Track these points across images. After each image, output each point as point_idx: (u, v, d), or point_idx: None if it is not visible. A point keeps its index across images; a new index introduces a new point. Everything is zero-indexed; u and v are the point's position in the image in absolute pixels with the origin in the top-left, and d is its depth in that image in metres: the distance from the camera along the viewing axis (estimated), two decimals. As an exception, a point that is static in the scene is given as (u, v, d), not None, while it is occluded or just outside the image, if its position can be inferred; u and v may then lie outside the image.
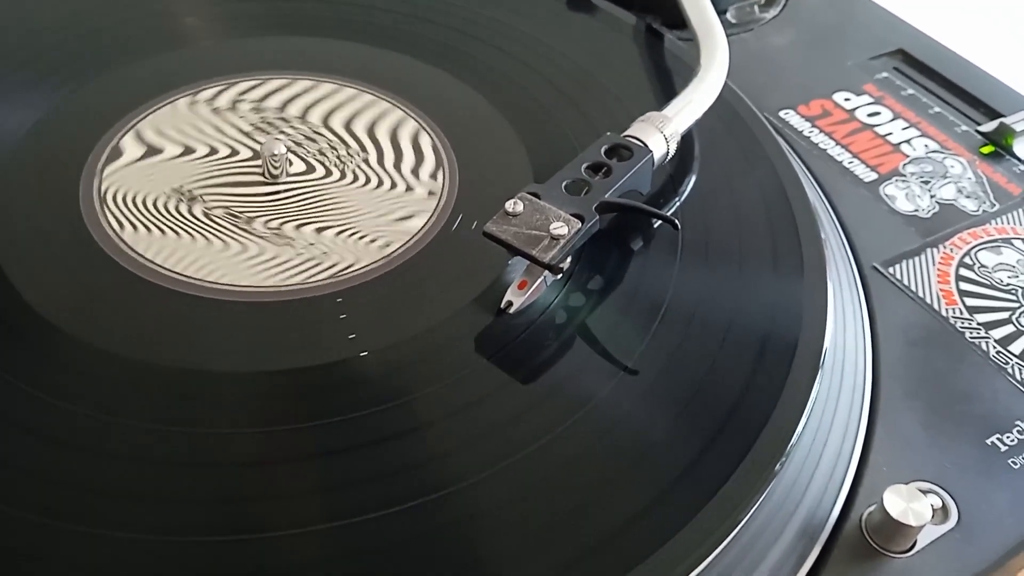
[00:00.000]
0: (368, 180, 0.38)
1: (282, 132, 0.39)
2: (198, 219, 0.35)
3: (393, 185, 0.37)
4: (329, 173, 0.38)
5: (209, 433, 0.29)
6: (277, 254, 0.34)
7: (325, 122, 0.40)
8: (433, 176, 0.38)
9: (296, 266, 0.34)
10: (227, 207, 0.36)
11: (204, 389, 0.30)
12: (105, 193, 0.36)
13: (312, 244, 0.35)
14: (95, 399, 0.29)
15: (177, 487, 0.27)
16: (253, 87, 0.41)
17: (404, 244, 0.35)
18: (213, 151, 0.38)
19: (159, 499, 0.27)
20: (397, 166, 0.38)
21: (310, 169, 0.38)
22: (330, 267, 0.34)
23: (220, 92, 0.41)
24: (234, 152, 0.38)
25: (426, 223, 0.36)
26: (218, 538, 0.26)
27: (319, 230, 0.35)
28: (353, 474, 0.28)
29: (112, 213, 0.35)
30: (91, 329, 0.31)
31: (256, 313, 0.32)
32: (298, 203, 0.36)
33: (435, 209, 0.36)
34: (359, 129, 0.40)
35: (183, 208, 0.36)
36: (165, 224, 0.35)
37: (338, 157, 0.38)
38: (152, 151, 0.38)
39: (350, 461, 0.28)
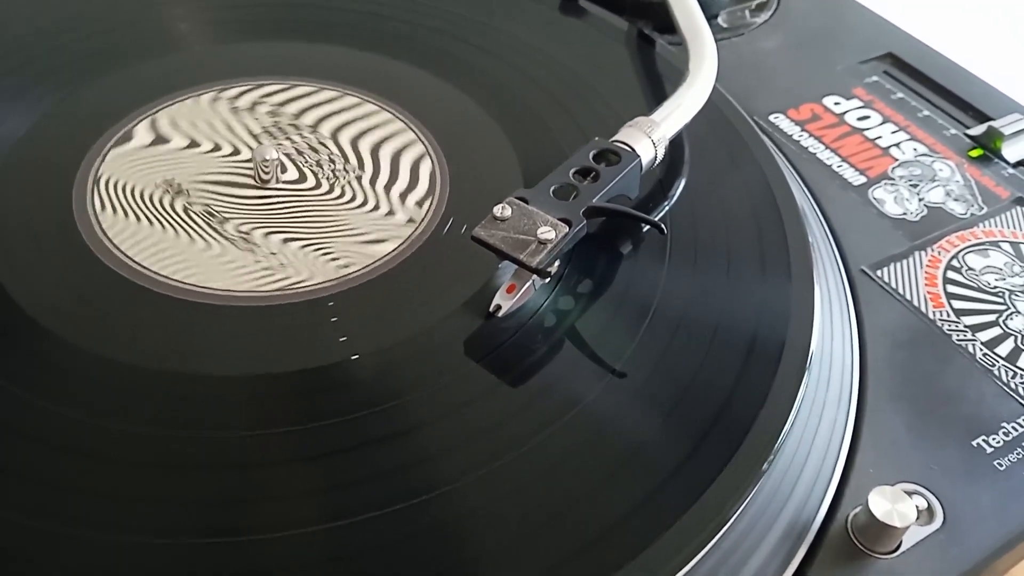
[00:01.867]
0: (353, 193, 0.38)
1: (269, 135, 0.40)
2: (179, 214, 0.36)
3: (376, 204, 0.37)
4: (316, 181, 0.38)
5: (202, 436, 0.29)
6: (236, 258, 0.34)
7: (315, 126, 0.40)
8: (424, 181, 0.38)
9: (249, 273, 0.34)
10: (209, 205, 0.36)
11: (197, 393, 0.30)
12: (100, 195, 0.36)
13: (273, 254, 0.35)
14: (89, 403, 0.30)
15: (170, 490, 0.28)
16: (246, 90, 0.42)
17: (395, 248, 0.35)
18: (209, 149, 0.39)
19: (153, 502, 0.27)
20: (386, 176, 0.38)
21: (300, 177, 0.38)
22: (281, 279, 0.34)
23: (216, 95, 0.41)
24: (233, 152, 0.39)
25: (411, 235, 0.36)
26: (212, 540, 0.27)
27: (286, 241, 0.35)
28: (345, 476, 0.28)
29: (107, 218, 0.36)
30: (86, 334, 0.31)
31: (248, 317, 0.33)
32: (278, 210, 0.37)
33: (426, 214, 0.36)
34: (348, 133, 0.40)
35: (167, 202, 0.36)
36: (156, 220, 0.36)
37: (325, 163, 0.39)
38: (152, 143, 0.38)
39: (341, 463, 0.29)
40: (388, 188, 0.38)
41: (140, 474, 0.28)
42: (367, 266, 0.34)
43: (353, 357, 0.31)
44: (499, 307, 0.32)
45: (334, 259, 0.35)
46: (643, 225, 0.36)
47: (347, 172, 0.38)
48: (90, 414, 0.29)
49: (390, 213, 0.37)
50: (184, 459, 0.28)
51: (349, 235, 0.36)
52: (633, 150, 0.35)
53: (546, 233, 0.31)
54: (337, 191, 0.38)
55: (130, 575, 0.26)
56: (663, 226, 0.33)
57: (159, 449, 0.29)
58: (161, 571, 0.26)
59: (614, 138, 0.35)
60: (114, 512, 0.27)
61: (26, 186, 0.37)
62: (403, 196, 0.37)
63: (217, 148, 0.39)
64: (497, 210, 0.32)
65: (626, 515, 0.28)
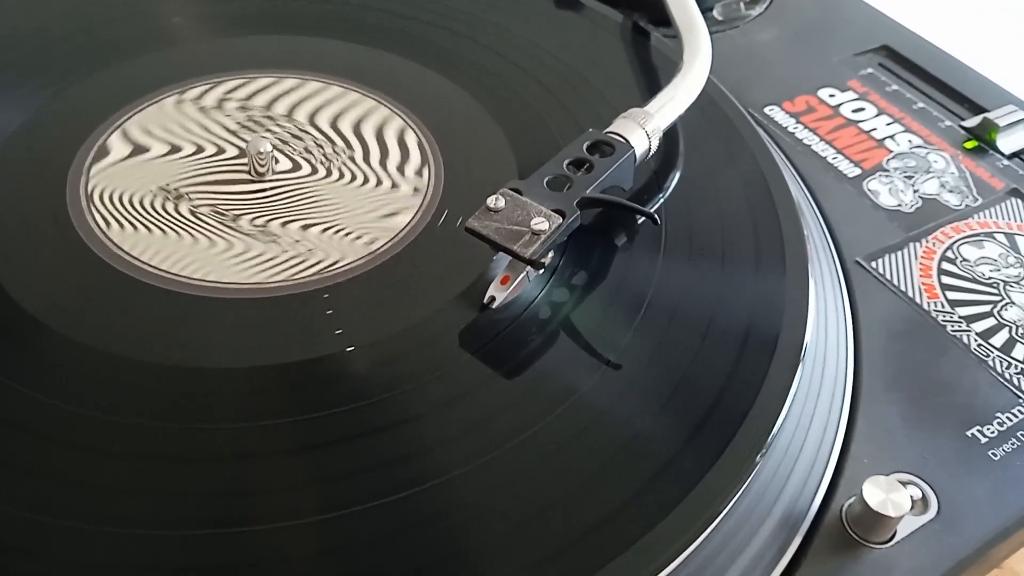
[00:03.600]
0: (354, 177, 0.38)
1: (268, 130, 0.40)
2: (184, 217, 0.36)
3: (379, 182, 0.38)
4: (315, 171, 0.38)
5: (198, 428, 0.29)
6: (263, 251, 0.34)
7: (311, 120, 0.40)
8: (419, 173, 0.38)
9: (282, 263, 0.34)
10: (213, 205, 0.36)
11: (194, 385, 0.30)
12: (92, 192, 0.36)
13: (297, 241, 0.35)
14: (87, 397, 0.30)
15: (170, 482, 0.28)
16: (240, 86, 0.42)
17: (390, 240, 0.35)
18: (199, 149, 0.39)
19: (153, 494, 0.27)
20: (383, 163, 0.38)
21: (296, 167, 0.38)
22: (315, 264, 0.34)
23: (207, 91, 0.41)
24: (220, 150, 0.39)
25: (412, 219, 0.36)
26: (209, 531, 0.27)
27: (304, 227, 0.36)
28: (340, 468, 0.28)
29: (99, 212, 0.35)
30: (81, 327, 0.31)
31: (244, 310, 0.33)
32: (284, 201, 0.37)
33: (421, 205, 0.36)
34: (345, 127, 0.40)
35: (169, 206, 0.36)
36: (152, 222, 0.35)
37: (324, 155, 0.39)
38: (139, 150, 0.38)
39: (338, 455, 0.29)
40: (384, 165, 0.38)
41: (137, 467, 0.28)
42: (392, 240, 0.35)
43: (349, 349, 0.31)
44: (493, 299, 0.32)
45: (357, 237, 0.35)
46: (637, 216, 0.36)
47: (339, 155, 0.38)
48: (87, 408, 0.29)
49: (394, 186, 0.37)
50: (180, 451, 0.29)
51: (361, 212, 0.36)
52: (627, 141, 0.35)
53: (539, 224, 0.31)
54: (335, 174, 0.38)
55: (129, 567, 0.26)
56: (656, 217, 0.33)
57: (156, 442, 0.29)
58: (160, 562, 0.26)
59: (608, 129, 0.35)
60: (111, 505, 0.27)
61: (19, 182, 0.37)
62: (401, 169, 0.38)
63: (201, 149, 0.39)
64: (491, 201, 0.32)
65: (620, 506, 0.28)
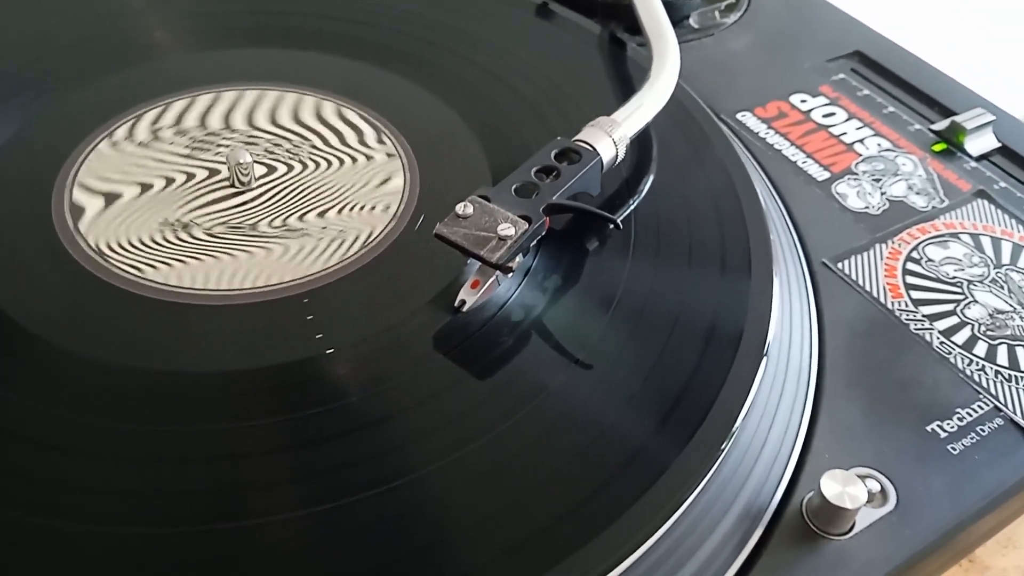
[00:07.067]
0: (330, 163, 0.40)
1: (247, 141, 0.41)
2: (204, 240, 0.37)
3: (355, 160, 0.40)
4: (294, 168, 0.40)
5: (187, 431, 0.30)
6: (303, 245, 0.36)
7: (290, 128, 0.41)
8: (388, 143, 0.40)
9: (327, 249, 0.36)
10: (224, 221, 0.37)
11: (179, 389, 0.31)
12: (80, 208, 0.37)
13: (324, 228, 0.37)
14: (80, 403, 0.31)
15: (159, 482, 0.29)
16: (225, 99, 0.43)
17: (367, 245, 0.36)
18: (181, 177, 0.39)
19: (143, 494, 0.29)
20: (358, 144, 0.40)
21: (274, 169, 0.39)
22: (355, 240, 0.36)
23: (186, 107, 0.42)
24: (205, 172, 0.40)
25: (388, 225, 0.37)
26: (199, 528, 0.28)
27: (320, 214, 0.38)
28: (322, 465, 0.29)
29: (93, 241, 0.36)
30: (71, 338, 0.33)
31: (226, 316, 0.34)
32: (283, 199, 0.38)
33: (397, 212, 0.38)
34: (323, 129, 0.41)
35: (182, 235, 0.37)
36: (178, 255, 0.36)
37: (301, 153, 0.40)
38: (114, 194, 0.38)
39: (319, 453, 0.30)
40: (357, 145, 0.40)
41: (130, 469, 0.29)
42: (368, 244, 0.36)
43: (328, 351, 0.32)
44: (463, 302, 0.33)
45: (372, 207, 0.38)
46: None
47: (319, 149, 0.40)
48: (79, 413, 0.30)
49: (370, 159, 0.40)
50: (171, 453, 0.30)
51: (358, 187, 0.39)
52: (594, 149, 0.36)
53: (506, 230, 0.32)
54: (316, 166, 0.40)
55: (124, 564, 0.27)
56: (618, 222, 0.34)
57: (147, 444, 0.30)
58: (154, 560, 0.27)
59: (576, 137, 0.36)
60: (110, 506, 0.28)
61: (5, 196, 0.38)
62: (366, 143, 0.40)
63: (182, 176, 0.39)
64: (459, 208, 0.33)
65: (588, 494, 0.29)
